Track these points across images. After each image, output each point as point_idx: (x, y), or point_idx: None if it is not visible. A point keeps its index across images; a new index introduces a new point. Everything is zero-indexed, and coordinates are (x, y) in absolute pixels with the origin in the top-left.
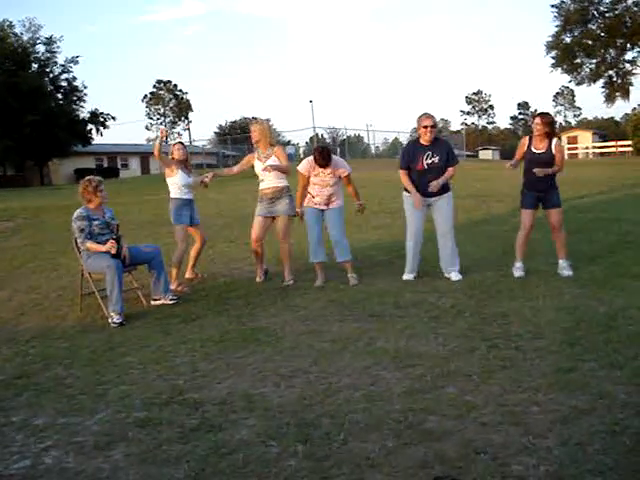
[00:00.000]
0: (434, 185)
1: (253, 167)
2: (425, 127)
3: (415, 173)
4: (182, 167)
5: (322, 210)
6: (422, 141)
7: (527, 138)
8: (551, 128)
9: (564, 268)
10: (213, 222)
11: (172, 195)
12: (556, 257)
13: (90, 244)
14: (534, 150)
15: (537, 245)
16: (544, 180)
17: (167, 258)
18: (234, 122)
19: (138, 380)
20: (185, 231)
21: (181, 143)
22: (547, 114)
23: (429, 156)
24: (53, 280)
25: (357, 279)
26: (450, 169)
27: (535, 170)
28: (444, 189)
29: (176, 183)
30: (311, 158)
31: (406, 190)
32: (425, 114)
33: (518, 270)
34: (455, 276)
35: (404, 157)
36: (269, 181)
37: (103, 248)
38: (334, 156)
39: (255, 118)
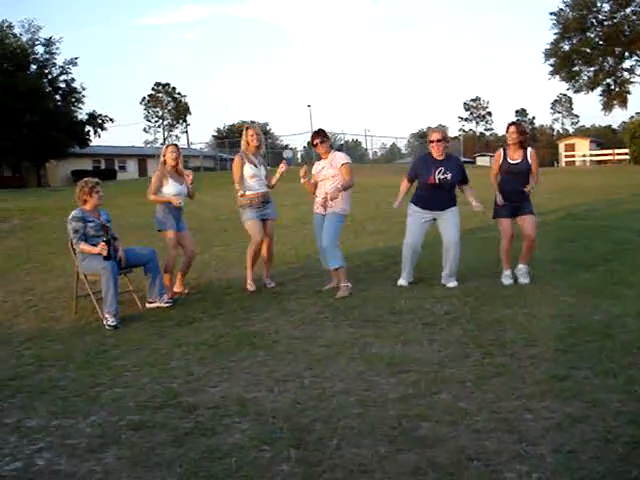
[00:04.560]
0: (529, 187)
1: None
2: (431, 141)
3: (425, 187)
4: (173, 174)
5: (324, 215)
6: (434, 155)
7: (502, 150)
8: (524, 137)
9: (522, 274)
10: (209, 226)
11: None
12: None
13: (83, 245)
14: (510, 161)
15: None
16: (519, 191)
17: (163, 261)
18: (232, 125)
19: (132, 383)
20: (175, 237)
21: (175, 145)
22: (520, 123)
23: (441, 172)
24: (48, 281)
25: (345, 292)
26: (467, 187)
27: (526, 189)
28: (451, 203)
29: (168, 194)
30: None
31: (414, 203)
32: (434, 128)
33: (507, 278)
34: (452, 284)
35: (413, 168)
36: (260, 186)
37: (94, 250)
38: (337, 152)
39: (253, 122)
